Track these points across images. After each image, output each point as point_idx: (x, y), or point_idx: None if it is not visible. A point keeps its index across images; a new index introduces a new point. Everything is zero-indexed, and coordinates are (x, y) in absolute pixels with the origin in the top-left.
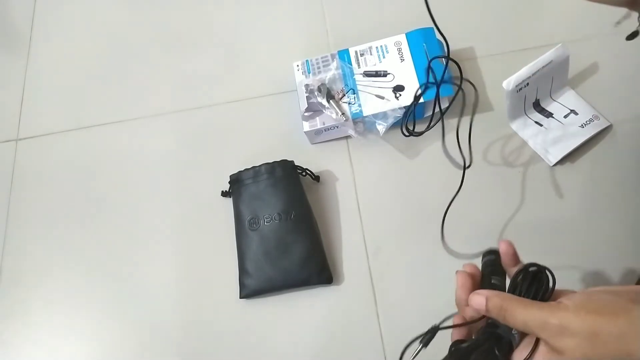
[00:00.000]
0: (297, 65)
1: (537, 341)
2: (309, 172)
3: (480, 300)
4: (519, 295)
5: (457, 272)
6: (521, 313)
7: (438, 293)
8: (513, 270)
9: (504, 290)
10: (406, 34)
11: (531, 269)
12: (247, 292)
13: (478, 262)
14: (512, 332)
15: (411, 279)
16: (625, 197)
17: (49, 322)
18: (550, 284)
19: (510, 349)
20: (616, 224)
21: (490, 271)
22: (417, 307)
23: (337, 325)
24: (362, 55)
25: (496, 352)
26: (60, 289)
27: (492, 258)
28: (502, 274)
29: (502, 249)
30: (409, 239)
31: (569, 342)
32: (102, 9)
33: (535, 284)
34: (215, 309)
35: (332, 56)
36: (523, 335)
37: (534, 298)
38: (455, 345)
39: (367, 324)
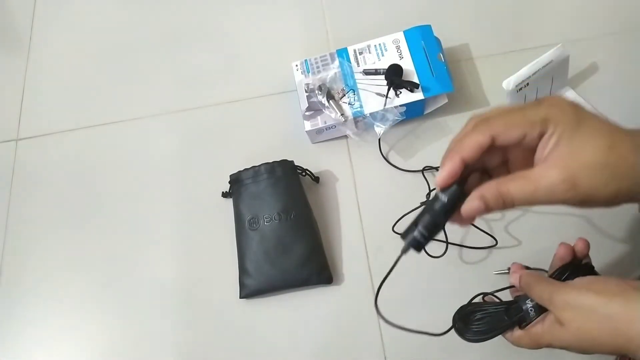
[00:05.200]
0: (296, 65)
1: (546, 313)
2: (308, 172)
3: (516, 277)
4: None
5: (560, 244)
6: (539, 288)
7: (438, 293)
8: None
9: None
10: (404, 32)
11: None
12: (247, 292)
13: (482, 260)
14: (529, 308)
15: (411, 279)
16: None
17: (49, 322)
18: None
19: (521, 319)
20: (615, 223)
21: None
22: (418, 307)
23: (337, 325)
24: (360, 53)
25: (505, 316)
26: (60, 288)
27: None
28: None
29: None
30: None
31: (569, 315)
32: (102, 9)
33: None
34: (215, 309)
35: (331, 55)
36: (541, 311)
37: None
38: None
39: (367, 324)
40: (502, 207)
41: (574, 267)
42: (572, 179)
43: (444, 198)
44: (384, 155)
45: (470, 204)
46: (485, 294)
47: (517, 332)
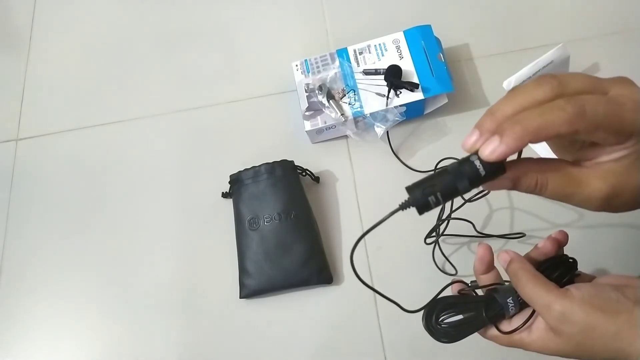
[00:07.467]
0: (296, 65)
1: (532, 314)
2: (309, 172)
3: (505, 258)
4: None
5: (479, 244)
6: (530, 289)
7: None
8: (483, 277)
9: None
10: (404, 32)
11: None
12: (247, 292)
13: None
14: (511, 306)
15: (411, 279)
16: None
17: (49, 323)
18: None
19: (500, 315)
20: (614, 222)
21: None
22: (418, 307)
23: (337, 325)
24: (360, 53)
25: (483, 313)
26: (60, 289)
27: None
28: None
29: (480, 253)
30: (409, 239)
31: (567, 329)
32: (102, 9)
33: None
34: (215, 309)
35: (331, 55)
36: (522, 307)
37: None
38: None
39: (367, 324)
40: (530, 193)
41: (564, 264)
42: (616, 196)
43: (481, 168)
44: (395, 151)
45: (500, 182)
46: (456, 282)
47: (495, 332)
